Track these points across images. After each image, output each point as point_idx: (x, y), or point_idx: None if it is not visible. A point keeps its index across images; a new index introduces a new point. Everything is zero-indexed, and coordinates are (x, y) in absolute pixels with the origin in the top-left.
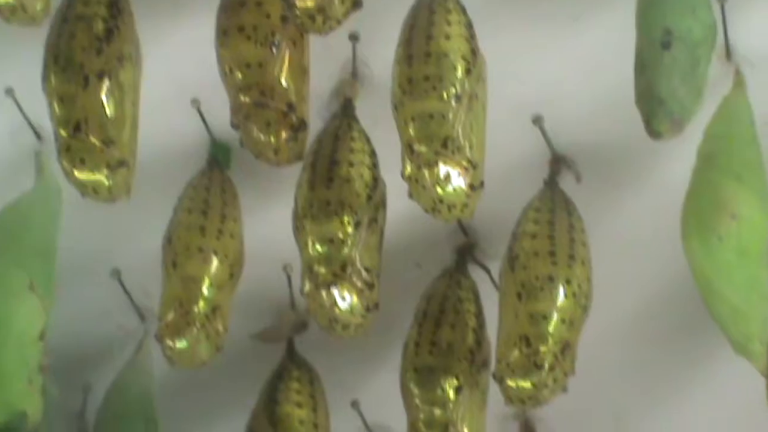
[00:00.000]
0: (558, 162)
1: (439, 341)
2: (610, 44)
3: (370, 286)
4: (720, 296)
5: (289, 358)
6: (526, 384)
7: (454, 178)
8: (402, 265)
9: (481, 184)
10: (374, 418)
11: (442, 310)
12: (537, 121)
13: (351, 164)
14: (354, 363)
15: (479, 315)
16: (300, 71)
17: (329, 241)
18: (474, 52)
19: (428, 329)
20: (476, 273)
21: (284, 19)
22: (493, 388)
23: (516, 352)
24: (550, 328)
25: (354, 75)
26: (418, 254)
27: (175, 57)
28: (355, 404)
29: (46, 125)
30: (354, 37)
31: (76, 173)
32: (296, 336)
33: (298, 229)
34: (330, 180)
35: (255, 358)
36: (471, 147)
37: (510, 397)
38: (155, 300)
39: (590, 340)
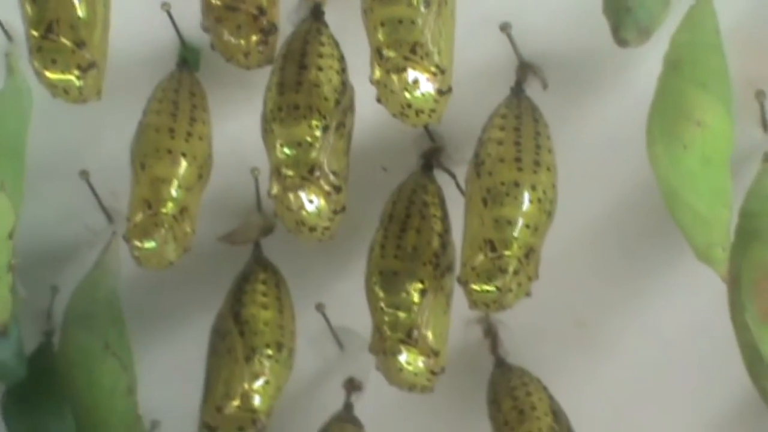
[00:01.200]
0: (525, 69)
1: (405, 245)
2: None
3: (338, 189)
4: (683, 203)
5: (255, 261)
6: (491, 288)
7: (423, 83)
8: (369, 169)
9: (449, 89)
10: (339, 320)
11: (408, 214)
12: (504, 28)
13: (320, 68)
14: (320, 266)
15: (445, 219)
16: None
17: (297, 144)
18: None
19: (394, 233)
20: (442, 178)
21: None
22: (458, 293)
23: (481, 257)
24: (515, 233)
25: None
26: (385, 159)
27: None
28: (320, 307)
29: (18, 26)
30: None
31: (47, 74)
32: (263, 239)
33: (267, 132)
34: (299, 84)
35: (222, 261)
36: (439, 53)
37: (474, 300)
38: (123, 201)
39: (554, 247)
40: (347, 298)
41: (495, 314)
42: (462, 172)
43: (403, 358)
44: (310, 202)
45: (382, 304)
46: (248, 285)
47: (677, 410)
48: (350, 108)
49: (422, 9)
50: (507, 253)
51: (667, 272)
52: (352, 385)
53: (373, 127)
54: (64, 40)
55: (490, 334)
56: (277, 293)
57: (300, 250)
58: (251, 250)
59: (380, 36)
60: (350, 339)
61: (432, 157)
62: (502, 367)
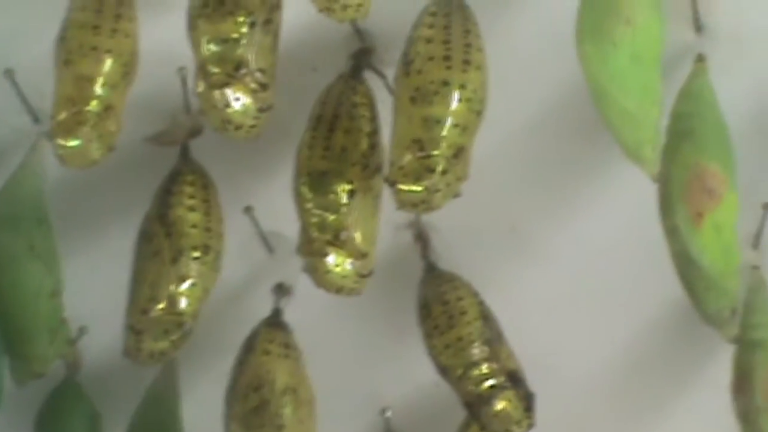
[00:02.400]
0: None
1: (333, 146)
2: None
3: (264, 86)
4: (613, 102)
5: (182, 162)
6: (418, 188)
7: None
8: (298, 69)
9: None
10: (268, 224)
11: (336, 114)
12: None
13: None
14: (248, 169)
15: (374, 120)
16: None
17: (223, 41)
18: None
19: (322, 134)
20: (371, 78)
21: None
22: (388, 196)
23: (408, 156)
24: (444, 133)
25: None
26: (315, 59)
27: None
28: (248, 210)
29: None
30: None
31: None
32: (190, 140)
33: (192, 29)
34: None
35: (148, 162)
36: None
37: (402, 201)
38: (49, 101)
39: (486, 149)
40: (276, 201)
41: (425, 218)
42: (392, 73)
43: (331, 260)
44: (236, 99)
45: (310, 206)
46: (175, 187)
47: (609, 315)
48: (277, 5)
49: None
50: (435, 152)
51: (600, 176)
52: (281, 290)
53: (303, 25)
54: None
55: (421, 238)
56: (204, 195)
57: (228, 152)
58: (178, 151)
59: None
60: (279, 243)
61: (362, 58)
62: (432, 272)
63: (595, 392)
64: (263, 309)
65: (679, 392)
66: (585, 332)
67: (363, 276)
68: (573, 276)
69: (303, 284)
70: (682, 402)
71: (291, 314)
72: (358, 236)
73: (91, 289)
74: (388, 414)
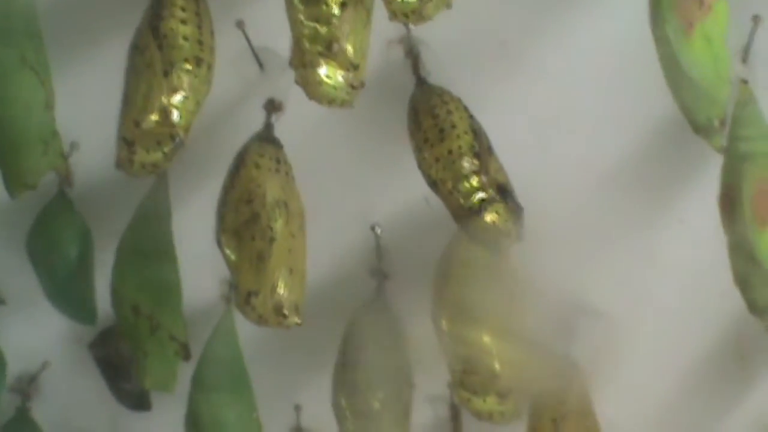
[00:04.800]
0: None
1: None
2: None
3: (356, 66)
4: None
5: None
6: None
7: None
8: None
9: None
10: (259, 39)
11: None
12: None
13: None
14: None
15: None
16: None
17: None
18: None
19: None
20: None
21: None
22: (380, 10)
23: None
24: None
25: None
26: None
27: None
28: (240, 24)
29: None
30: None
31: None
32: None
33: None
34: None
35: None
36: None
37: (394, 10)
38: None
39: None
40: (268, 16)
41: (416, 33)
42: None
43: (323, 71)
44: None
45: (302, 17)
46: None
47: (599, 130)
48: None
49: None
50: None
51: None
52: (273, 106)
53: None
54: None
55: (412, 53)
56: (195, 8)
57: None
58: None
59: None
60: (271, 58)
61: None
62: (423, 86)
63: (584, 205)
64: (255, 124)
65: (668, 204)
66: (575, 147)
67: (354, 87)
68: (563, 91)
69: (294, 99)
70: (671, 214)
71: (282, 130)
72: (349, 48)
73: (83, 104)
74: (378, 230)
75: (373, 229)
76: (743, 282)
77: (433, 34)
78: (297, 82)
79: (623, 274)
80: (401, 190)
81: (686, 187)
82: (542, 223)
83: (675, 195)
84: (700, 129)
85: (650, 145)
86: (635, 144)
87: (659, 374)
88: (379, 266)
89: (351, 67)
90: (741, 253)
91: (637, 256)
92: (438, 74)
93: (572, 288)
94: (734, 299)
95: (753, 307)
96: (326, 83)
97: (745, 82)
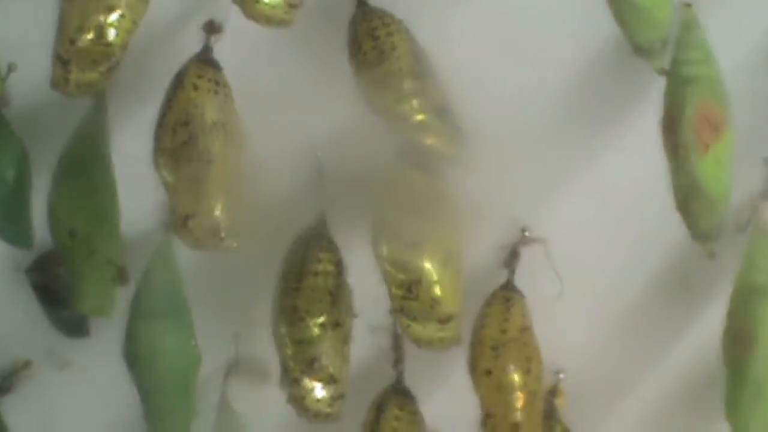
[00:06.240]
0: None
1: None
2: None
3: None
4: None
5: None
6: None
7: None
8: None
9: None
10: None
11: None
12: None
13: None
14: None
15: None
16: None
17: None
18: None
19: None
20: None
21: None
22: None
23: None
24: None
25: None
26: None
27: None
28: None
29: None
30: None
31: None
32: None
33: None
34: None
35: None
36: None
37: None
38: None
39: None
40: None
41: None
42: None
43: None
44: None
45: None
46: None
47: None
48: None
49: None
50: None
51: None
52: (212, 27)
53: None
54: None
55: None
56: None
57: None
58: None
59: None
60: None
61: None
62: (364, 7)
63: (526, 131)
64: (193, 46)
65: (609, 130)
66: (516, 71)
67: (293, 6)
68: (506, 15)
69: (234, 21)
70: (612, 140)
71: (222, 51)
72: None
73: (20, 25)
74: (319, 154)
75: (314, 153)
76: (684, 208)
77: None
78: (235, 1)
79: (565, 201)
80: (341, 113)
81: (628, 112)
82: (484, 149)
83: (617, 120)
84: (641, 51)
85: (591, 68)
86: (576, 67)
87: (601, 302)
88: (319, 191)
89: None
90: (682, 178)
91: (578, 182)
92: None
93: (513, 215)
94: (677, 226)
95: (695, 233)
96: (262, 2)
97: (688, 5)
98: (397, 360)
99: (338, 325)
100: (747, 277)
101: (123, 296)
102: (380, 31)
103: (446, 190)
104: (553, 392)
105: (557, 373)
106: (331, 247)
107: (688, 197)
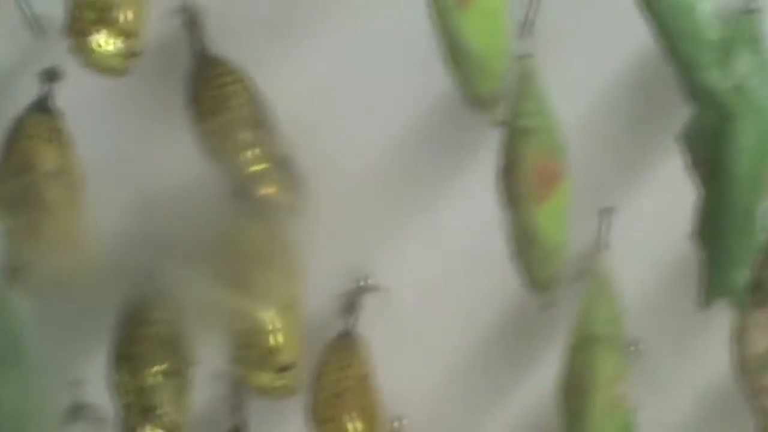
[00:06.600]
0: None
1: None
2: None
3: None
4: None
5: None
6: None
7: None
8: None
9: None
10: (36, 5)
11: None
12: None
13: None
14: None
15: None
16: None
17: None
18: None
19: None
20: None
21: None
22: None
23: None
24: None
25: None
26: None
27: None
28: None
29: None
30: None
31: None
32: None
33: None
34: None
35: None
36: None
37: None
38: None
39: None
40: None
41: (198, 2)
42: None
43: (98, 39)
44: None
45: None
46: None
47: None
48: None
49: None
50: None
51: None
52: (49, 75)
53: None
54: None
55: (192, 23)
56: None
57: None
58: None
59: None
60: (48, 25)
61: None
62: (202, 56)
63: (368, 179)
64: (32, 93)
65: (448, 180)
66: (358, 121)
67: (132, 55)
68: (346, 64)
69: (75, 68)
70: (451, 190)
71: (63, 97)
72: (128, 15)
73: None
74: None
75: (149, 198)
76: (521, 258)
77: (217, 4)
78: (71, 51)
79: (405, 249)
80: (181, 158)
81: (466, 162)
82: (324, 198)
83: (455, 169)
84: (477, 103)
85: (431, 120)
86: (416, 119)
87: (441, 349)
88: (158, 237)
89: (127, 34)
90: (519, 228)
91: (418, 231)
92: (219, 44)
93: (354, 263)
94: (514, 275)
95: (531, 282)
96: (102, 51)
97: (525, 57)
98: (237, 407)
99: (177, 373)
100: (583, 327)
101: None
102: (219, 81)
103: (285, 239)
104: None
105: (398, 419)
106: (170, 295)
107: (525, 247)
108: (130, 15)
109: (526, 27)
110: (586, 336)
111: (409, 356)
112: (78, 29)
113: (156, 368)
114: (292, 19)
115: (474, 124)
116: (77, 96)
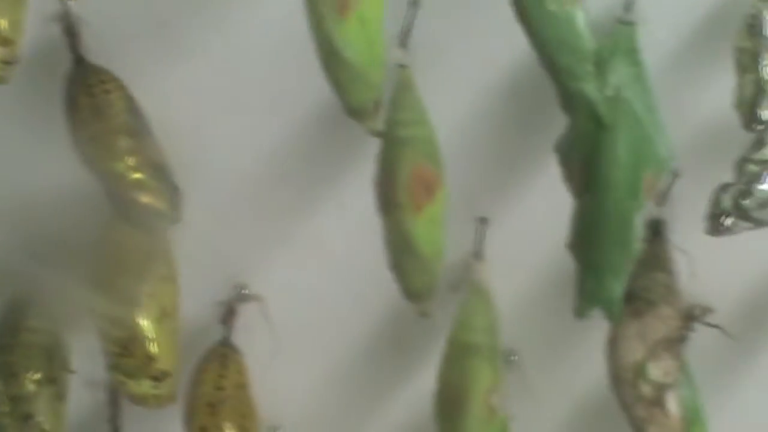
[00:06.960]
0: None
1: None
2: None
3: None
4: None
5: None
6: None
7: None
8: None
9: None
10: None
11: None
12: None
13: None
14: None
15: None
16: None
17: None
18: None
19: None
20: None
21: None
22: None
23: None
24: None
25: None
26: None
27: None
28: None
29: None
30: None
31: None
32: None
33: None
34: None
35: None
36: None
37: None
38: None
39: None
40: None
41: (75, 10)
42: None
43: None
44: None
45: None
46: None
47: (260, 114)
48: None
49: None
50: None
51: None
52: None
53: None
54: None
55: (70, 31)
56: None
57: None
58: None
59: None
60: None
61: None
62: (80, 64)
63: (244, 189)
64: None
65: (327, 189)
66: (236, 129)
67: (8, 63)
68: (224, 73)
69: None
70: (330, 199)
71: None
72: (3, 23)
73: None
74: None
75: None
76: (398, 267)
77: (94, 12)
78: None
79: (282, 258)
80: (59, 166)
81: (344, 171)
82: (201, 206)
83: (333, 178)
84: (354, 112)
85: (309, 128)
86: (294, 127)
87: (318, 359)
88: (33, 244)
89: (4, 42)
90: (395, 237)
91: (295, 240)
92: (97, 53)
93: (231, 272)
94: (391, 284)
95: (407, 292)
96: None
97: (403, 66)
98: (114, 416)
99: (53, 381)
100: (460, 336)
101: None
102: (96, 89)
103: (161, 246)
104: None
105: (274, 430)
106: (45, 303)
107: (402, 256)
108: (5, 23)
109: (403, 36)
110: (463, 345)
111: (286, 365)
112: None
113: (31, 376)
114: (169, 28)
115: (352, 133)
116: None
